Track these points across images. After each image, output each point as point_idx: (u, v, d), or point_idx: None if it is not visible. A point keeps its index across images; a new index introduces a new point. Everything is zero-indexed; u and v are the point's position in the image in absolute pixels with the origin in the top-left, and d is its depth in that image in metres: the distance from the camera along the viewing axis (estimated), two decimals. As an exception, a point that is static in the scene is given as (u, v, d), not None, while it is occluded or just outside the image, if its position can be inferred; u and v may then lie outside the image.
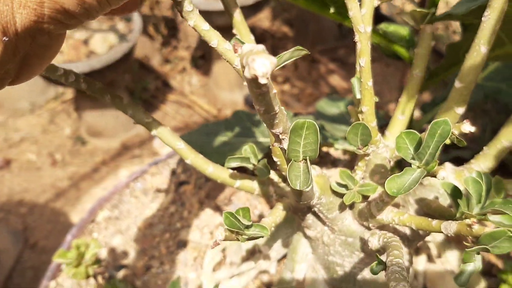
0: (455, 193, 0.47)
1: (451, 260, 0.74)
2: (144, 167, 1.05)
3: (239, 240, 0.47)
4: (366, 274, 0.60)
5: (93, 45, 2.27)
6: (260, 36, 3.24)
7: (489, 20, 0.43)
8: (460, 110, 0.50)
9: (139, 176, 1.04)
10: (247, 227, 0.45)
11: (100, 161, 2.62)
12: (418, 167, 0.42)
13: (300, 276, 0.68)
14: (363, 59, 0.47)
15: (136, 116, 0.53)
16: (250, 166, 0.53)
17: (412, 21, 0.58)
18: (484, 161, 0.54)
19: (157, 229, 0.94)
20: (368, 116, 0.50)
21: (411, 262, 0.62)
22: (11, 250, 2.31)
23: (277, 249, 0.73)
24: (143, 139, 2.67)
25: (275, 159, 0.52)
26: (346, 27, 0.70)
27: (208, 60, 3.11)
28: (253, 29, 3.26)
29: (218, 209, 0.95)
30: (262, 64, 0.24)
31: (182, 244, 0.90)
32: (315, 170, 0.53)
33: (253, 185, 0.58)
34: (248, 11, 2.51)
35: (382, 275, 0.59)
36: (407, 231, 0.57)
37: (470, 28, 0.66)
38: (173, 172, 1.04)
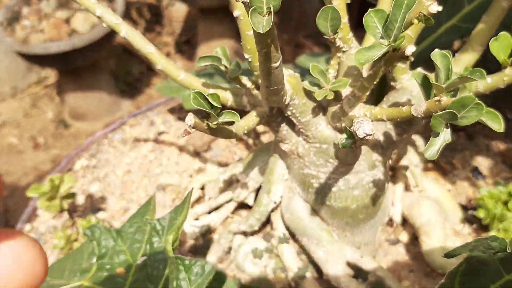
0: (425, 81, 0.47)
1: (427, 188, 0.75)
2: (122, 120, 1.04)
3: (209, 128, 0.46)
4: (341, 185, 0.60)
5: (75, 24, 2.25)
6: (245, 22, 3.23)
7: None
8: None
9: (117, 127, 1.03)
10: (216, 110, 0.45)
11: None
12: (388, 44, 0.42)
13: (276, 197, 0.67)
14: None
15: (105, 17, 0.52)
16: (222, 67, 0.53)
17: None
18: (457, 66, 0.55)
19: (135, 176, 0.93)
20: (340, 9, 0.50)
21: (386, 175, 0.63)
22: (-8, 233, 2.27)
23: (254, 178, 0.72)
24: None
25: (246, 55, 0.52)
26: None
27: (192, 45, 3.10)
28: (237, 15, 3.25)
29: (197, 155, 0.95)
30: None
31: (161, 188, 0.89)
32: (287, 70, 0.53)
33: (226, 95, 0.57)
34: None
35: (358, 188, 0.59)
36: (381, 137, 0.57)
37: None
38: (152, 123, 1.03)
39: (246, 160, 0.74)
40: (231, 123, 0.47)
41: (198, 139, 0.96)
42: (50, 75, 2.99)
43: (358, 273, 0.70)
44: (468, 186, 0.85)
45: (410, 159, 0.71)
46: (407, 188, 0.75)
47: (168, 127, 1.02)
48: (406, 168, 0.74)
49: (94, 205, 0.89)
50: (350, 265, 0.66)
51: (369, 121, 0.34)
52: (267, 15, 0.35)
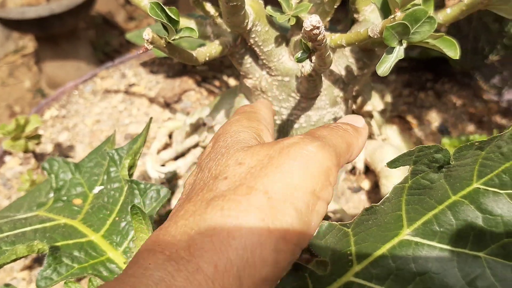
0: (384, 4, 0.47)
1: (391, 137, 0.76)
2: (94, 71, 1.03)
3: (168, 46, 0.46)
4: (303, 121, 0.60)
5: (52, -11, 2.21)
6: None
7: None
8: None
9: (88, 79, 1.02)
10: (175, 23, 0.45)
11: (60, 114, 2.56)
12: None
13: (240, 137, 0.67)
14: None
15: None
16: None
17: None
18: None
19: (105, 125, 0.92)
20: None
21: (347, 113, 0.63)
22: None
23: (221, 121, 0.72)
24: (105, 93, 2.62)
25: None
26: None
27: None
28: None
29: (167, 106, 0.94)
30: None
31: (130, 137, 0.89)
32: (250, -4, 0.53)
33: (190, 24, 0.57)
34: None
35: (318, 125, 0.60)
36: (342, 72, 0.57)
37: None
38: (124, 76, 1.03)
39: (213, 103, 0.74)
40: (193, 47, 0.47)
41: (169, 90, 0.95)
42: (28, 44, 2.94)
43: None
44: (434, 140, 0.86)
45: (375, 105, 0.72)
46: (370, 136, 0.76)
47: (139, 79, 1.02)
48: (370, 116, 0.75)
49: (63, 153, 0.89)
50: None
51: (316, 16, 0.34)
52: None
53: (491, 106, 0.92)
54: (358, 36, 0.47)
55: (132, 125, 0.91)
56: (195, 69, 1.01)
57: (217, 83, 0.99)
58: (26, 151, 0.75)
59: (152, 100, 0.96)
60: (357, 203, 0.77)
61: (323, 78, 0.56)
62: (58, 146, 0.90)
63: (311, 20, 0.34)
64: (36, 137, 0.76)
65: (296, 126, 0.61)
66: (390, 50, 0.42)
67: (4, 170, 0.87)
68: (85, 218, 0.49)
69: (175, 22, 0.45)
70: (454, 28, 1.03)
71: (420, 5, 0.42)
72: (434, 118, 0.91)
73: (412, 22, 0.40)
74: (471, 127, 0.89)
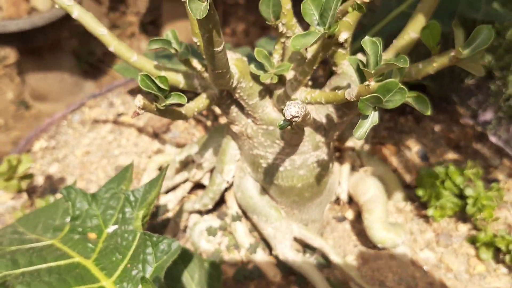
0: (359, 67, 0.50)
1: (373, 168, 0.79)
2: (82, 101, 1.05)
3: (158, 109, 0.49)
4: (287, 165, 0.63)
5: (34, 2, 2.20)
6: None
7: None
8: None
9: (76, 108, 1.04)
10: (164, 92, 0.47)
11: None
12: (323, 30, 0.45)
13: (229, 177, 0.70)
14: None
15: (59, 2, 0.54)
16: (172, 50, 0.55)
17: None
18: (393, 52, 0.59)
19: (94, 156, 0.94)
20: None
21: (330, 156, 0.67)
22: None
23: (209, 158, 0.75)
24: (90, 103, 2.62)
25: (194, 39, 0.54)
26: None
27: (157, 25, 3.07)
28: (203, -3, 3.23)
29: (156, 136, 0.97)
30: None
31: (120, 168, 0.91)
32: (235, 54, 0.55)
33: (178, 77, 0.59)
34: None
35: (303, 168, 0.63)
36: (323, 120, 0.61)
37: None
38: (112, 105, 1.04)
39: (201, 141, 0.76)
40: (181, 105, 0.50)
41: (157, 120, 0.98)
42: (10, 55, 2.92)
43: (306, 248, 0.75)
44: (413, 166, 0.90)
45: (356, 141, 0.75)
46: (353, 168, 0.80)
47: (127, 108, 1.04)
48: (352, 149, 0.78)
49: (53, 185, 0.90)
50: (297, 240, 0.70)
51: (296, 104, 0.37)
52: (205, 2, 0.37)
53: (467, 130, 0.97)
54: (336, 97, 0.50)
55: (122, 156, 0.93)
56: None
57: (204, 112, 1.01)
58: (19, 191, 0.77)
59: (140, 130, 0.98)
60: (341, 232, 0.80)
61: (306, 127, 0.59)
62: (48, 178, 0.92)
63: (291, 111, 0.37)
64: (29, 176, 0.78)
65: (281, 169, 0.64)
66: (365, 116, 0.45)
67: (-4, 204, 0.88)
68: (98, 259, 0.52)
69: (164, 91, 0.47)
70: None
71: (388, 61, 0.45)
72: (414, 144, 0.95)
73: (384, 93, 0.43)
74: (449, 152, 0.93)
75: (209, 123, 0.99)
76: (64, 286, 0.48)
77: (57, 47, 2.50)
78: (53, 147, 0.97)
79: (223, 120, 0.99)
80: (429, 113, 0.50)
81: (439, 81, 1.05)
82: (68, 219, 0.59)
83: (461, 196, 0.78)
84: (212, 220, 0.76)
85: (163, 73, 0.59)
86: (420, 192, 0.77)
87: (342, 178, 0.77)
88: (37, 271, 0.50)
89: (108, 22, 3.02)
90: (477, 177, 0.77)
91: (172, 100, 0.49)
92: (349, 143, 0.75)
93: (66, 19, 2.30)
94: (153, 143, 0.95)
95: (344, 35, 0.45)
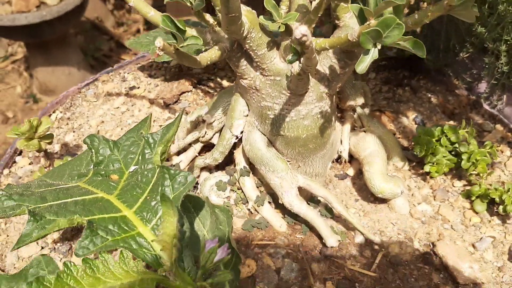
0: (361, 12, 0.55)
1: (372, 128, 0.84)
2: (95, 76, 1.10)
3: (176, 52, 0.54)
4: (293, 115, 0.68)
5: (43, -4, 2.26)
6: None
7: None
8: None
9: (90, 83, 1.09)
10: (183, 33, 0.52)
11: (53, 118, 2.60)
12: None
13: (238, 131, 0.75)
14: None
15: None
16: (187, 3, 0.60)
17: None
18: None
19: (109, 125, 0.99)
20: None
21: (333, 109, 0.71)
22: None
23: (219, 118, 0.80)
24: (96, 97, 2.68)
25: (209, -8, 0.59)
26: None
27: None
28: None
29: (167, 106, 1.02)
30: None
31: (133, 136, 0.96)
32: (245, 6, 0.60)
33: (192, 32, 0.64)
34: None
35: (308, 119, 0.68)
36: (327, 71, 0.66)
37: None
38: (124, 79, 1.10)
39: (211, 102, 0.81)
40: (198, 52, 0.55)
41: (167, 92, 1.03)
42: (18, 50, 2.98)
43: (310, 202, 0.80)
44: (411, 132, 0.95)
45: (356, 100, 0.80)
46: (354, 129, 0.84)
47: (138, 82, 1.09)
48: (353, 110, 0.83)
49: (69, 152, 0.96)
50: (302, 192, 0.75)
51: (304, 25, 0.42)
52: None
53: (462, 99, 1.02)
54: (340, 40, 0.55)
55: (134, 125, 0.98)
56: (191, 72, 1.08)
57: (211, 84, 1.06)
58: (39, 150, 0.82)
59: (152, 102, 1.03)
60: (343, 189, 0.85)
61: (310, 77, 0.64)
62: (65, 145, 0.97)
63: (301, 30, 0.42)
64: (48, 136, 0.83)
65: (287, 119, 0.69)
66: (366, 51, 0.50)
67: (16, 169, 0.93)
68: (120, 194, 0.56)
69: (182, 32, 0.52)
70: (428, 29, 1.12)
71: (391, 13, 0.51)
72: (411, 112, 0.99)
73: (384, 28, 0.48)
74: (445, 119, 0.98)
75: (216, 94, 1.04)
76: (88, 214, 0.53)
77: (64, 42, 2.56)
78: (68, 118, 1.03)
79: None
80: (424, 55, 0.54)
81: (435, 54, 1.10)
82: (91, 166, 0.64)
83: (456, 154, 0.83)
84: (221, 176, 0.81)
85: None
86: (417, 149, 0.82)
87: (343, 137, 0.82)
88: (63, 204, 0.55)
89: (114, 19, 3.09)
90: (471, 135, 0.82)
91: (190, 41, 0.54)
92: (350, 102, 0.80)
93: (74, 13, 2.36)
94: (164, 113, 1.00)
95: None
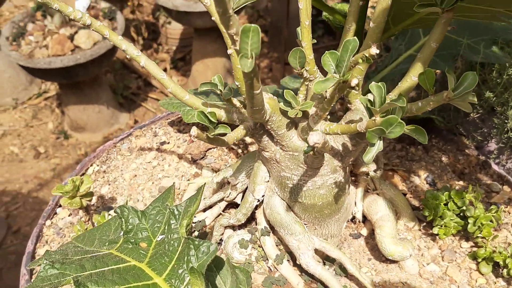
0: (369, 103, 0.63)
1: (384, 191, 0.91)
2: (129, 131, 1.19)
3: (208, 138, 0.62)
4: (310, 185, 0.75)
5: (78, 41, 2.41)
6: (237, 40, 3.41)
7: (389, -25, 0.60)
8: (375, 44, 0.66)
9: (124, 137, 1.18)
10: (213, 124, 0.60)
11: (83, 154, 2.73)
12: (338, 77, 0.58)
13: (259, 195, 0.83)
14: (301, 3, 0.64)
15: (128, 50, 0.68)
16: (218, 91, 0.69)
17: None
18: (398, 92, 0.71)
19: (141, 179, 1.08)
20: (307, 49, 0.66)
21: (346, 178, 0.78)
22: (-6, 236, 2.39)
23: (242, 180, 0.88)
24: (124, 134, 2.79)
25: (236, 83, 0.68)
26: (317, 33, 0.88)
27: (187, 62, 3.27)
28: (230, 34, 3.42)
29: (194, 162, 1.10)
30: None
31: (163, 190, 1.04)
32: (267, 94, 0.69)
33: (221, 112, 0.73)
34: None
35: (323, 188, 0.75)
36: (340, 147, 0.73)
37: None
38: (155, 134, 1.19)
39: (235, 165, 0.89)
40: (224, 134, 0.63)
41: (195, 148, 1.11)
42: (50, 87, 3.14)
43: (325, 261, 0.86)
44: (422, 191, 1.01)
45: (369, 166, 0.87)
46: (367, 191, 0.91)
47: (169, 137, 1.18)
48: (366, 174, 0.90)
49: (105, 204, 1.04)
50: (318, 253, 0.81)
51: (317, 133, 0.49)
52: (251, 59, 0.51)
53: (472, 159, 1.07)
54: (350, 129, 0.62)
55: (164, 179, 1.07)
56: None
57: (236, 141, 1.14)
58: (80, 207, 0.90)
59: (180, 157, 1.11)
60: (357, 248, 0.91)
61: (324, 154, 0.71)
62: (101, 198, 1.06)
63: (314, 139, 0.49)
64: (89, 194, 0.92)
65: (304, 189, 0.76)
66: (372, 144, 0.57)
67: (57, 220, 1.02)
68: (150, 262, 0.64)
69: (214, 123, 0.61)
70: (440, 87, 1.19)
71: (390, 100, 0.58)
72: (423, 171, 1.06)
73: (387, 126, 0.56)
74: (455, 179, 1.04)
75: (240, 150, 1.13)
76: (125, 283, 0.60)
77: (96, 81, 2.70)
78: (104, 171, 1.12)
79: (252, 148, 1.12)
80: (425, 141, 0.61)
81: (446, 114, 1.17)
82: (121, 233, 0.72)
83: (464, 216, 0.89)
84: (243, 234, 0.88)
85: (209, 109, 0.72)
86: (426, 213, 0.88)
87: (357, 199, 0.89)
88: (101, 273, 0.63)
89: (142, 58, 3.23)
90: (477, 199, 0.88)
91: (219, 130, 0.62)
92: (363, 168, 0.87)
93: (106, 56, 2.50)
94: (191, 168, 1.09)
95: (354, 81, 0.58)
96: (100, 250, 0.68)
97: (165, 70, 3.20)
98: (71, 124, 2.83)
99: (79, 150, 2.75)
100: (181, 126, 1.21)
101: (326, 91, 0.70)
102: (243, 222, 0.86)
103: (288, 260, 0.86)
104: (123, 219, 0.69)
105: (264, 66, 3.24)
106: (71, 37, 2.42)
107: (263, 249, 0.87)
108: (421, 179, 1.04)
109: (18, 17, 2.59)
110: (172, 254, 0.64)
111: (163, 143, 1.16)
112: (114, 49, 2.49)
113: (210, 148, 1.12)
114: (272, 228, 0.87)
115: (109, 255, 0.66)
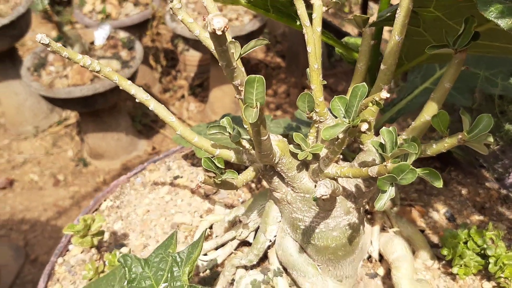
0: (381, 147, 0.61)
1: (402, 229, 0.88)
2: (143, 165, 1.19)
3: (216, 184, 0.61)
4: (322, 227, 0.74)
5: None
6: (255, 66, 3.43)
7: (399, 15, 0.59)
8: (386, 87, 0.65)
9: (138, 172, 1.18)
10: (220, 170, 0.60)
11: (101, 181, 2.75)
12: (347, 123, 0.57)
13: (271, 236, 0.81)
14: (310, 47, 0.63)
15: (137, 94, 0.68)
16: (226, 134, 0.68)
17: (356, 25, 0.74)
18: (412, 132, 0.69)
19: (154, 215, 1.07)
20: (316, 92, 0.65)
21: (361, 219, 0.76)
22: (12, 265, 2.40)
23: (254, 219, 0.86)
24: (142, 161, 2.81)
25: (245, 126, 0.67)
26: (335, 58, 0.88)
27: (205, 88, 3.30)
28: (248, 60, 3.45)
29: (207, 197, 1.09)
30: (218, 21, 0.40)
31: (176, 226, 1.03)
32: (277, 136, 0.68)
33: (230, 153, 0.72)
34: (243, 42, 2.71)
35: (336, 230, 0.73)
36: (353, 189, 0.71)
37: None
38: (169, 168, 1.18)
39: (247, 203, 0.88)
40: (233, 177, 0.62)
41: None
42: (71, 115, 3.19)
43: (341, 301, 0.83)
44: (441, 227, 0.98)
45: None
46: (384, 229, 0.88)
47: (182, 171, 1.17)
48: (382, 212, 0.88)
49: (118, 241, 1.04)
50: (332, 294, 0.79)
51: (324, 185, 0.48)
52: (256, 108, 0.50)
53: (493, 193, 1.04)
54: (361, 173, 0.61)
55: (177, 215, 1.06)
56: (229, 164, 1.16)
57: (249, 175, 1.13)
58: (91, 246, 0.90)
59: (193, 192, 1.11)
60: (373, 287, 0.88)
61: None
62: (113, 234, 1.05)
63: (320, 191, 0.48)
64: (100, 233, 0.91)
65: (317, 230, 0.74)
66: (384, 191, 0.56)
67: (69, 258, 1.02)
68: None
69: (220, 169, 0.60)
70: (459, 120, 1.16)
71: (402, 147, 0.56)
72: (442, 206, 1.03)
73: (399, 173, 0.54)
74: (475, 214, 1.00)
75: (253, 185, 1.11)
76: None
77: (115, 109, 2.73)
78: (117, 206, 1.11)
79: (265, 183, 1.11)
80: (440, 185, 0.59)
81: (466, 147, 1.14)
82: (125, 283, 0.71)
83: (484, 255, 0.85)
84: (256, 275, 0.86)
85: (218, 151, 0.71)
86: (444, 252, 0.85)
87: (373, 238, 0.86)
88: None
89: (160, 86, 3.27)
90: (498, 238, 0.85)
91: (227, 176, 0.61)
92: (378, 207, 0.85)
93: (123, 85, 2.51)
94: (204, 203, 1.08)
95: (364, 127, 0.57)
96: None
97: (183, 96, 3.24)
98: (90, 152, 2.86)
99: (97, 178, 2.77)
100: (194, 159, 1.20)
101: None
102: (255, 263, 0.84)
103: (302, 302, 0.83)
104: (126, 268, 0.68)
105: (282, 91, 3.24)
106: (90, 67, 2.46)
107: (276, 290, 0.84)
108: (440, 214, 1.01)
109: (39, 48, 2.65)
110: (176, 302, 0.62)
111: (176, 177, 1.15)
112: (133, 77, 2.52)
113: (223, 183, 1.11)
114: (285, 268, 0.84)
115: (115, 303, 0.65)
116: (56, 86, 2.43)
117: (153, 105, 0.68)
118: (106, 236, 1.05)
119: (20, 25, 2.71)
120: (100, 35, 2.61)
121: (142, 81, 3.18)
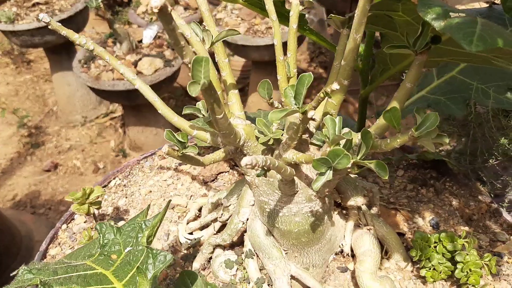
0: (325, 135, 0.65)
1: (377, 228, 0.90)
2: (154, 150, 1.28)
3: (180, 156, 0.67)
4: (285, 211, 0.78)
5: (140, 67, 2.59)
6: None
7: (357, 15, 0.63)
8: (346, 82, 0.69)
9: (148, 156, 1.27)
10: (182, 144, 0.66)
11: (136, 172, 2.88)
12: (297, 108, 0.62)
13: (243, 218, 0.86)
14: (276, 39, 0.68)
15: (125, 73, 0.76)
16: (200, 115, 0.74)
17: (334, 25, 0.79)
18: (375, 130, 0.73)
19: (154, 195, 1.15)
20: (282, 83, 0.70)
21: (324, 208, 0.80)
22: (49, 243, 2.56)
23: (234, 202, 0.92)
24: (176, 156, 2.92)
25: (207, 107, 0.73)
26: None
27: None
28: (290, 68, 3.50)
29: (205, 183, 1.16)
30: (155, 1, 0.46)
31: (171, 207, 1.10)
32: (245, 121, 0.73)
33: (206, 135, 0.78)
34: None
35: (298, 216, 0.77)
36: (315, 177, 0.75)
37: (385, 37, 0.85)
38: (176, 155, 1.26)
39: (230, 188, 0.94)
40: (199, 154, 0.68)
41: (208, 171, 1.17)
42: (117, 109, 3.36)
43: (307, 289, 0.87)
44: (424, 233, 0.99)
45: (357, 200, 0.88)
46: (359, 225, 0.91)
47: (187, 159, 1.24)
48: (358, 208, 0.91)
49: (119, 215, 1.12)
50: (294, 278, 0.83)
51: (247, 157, 0.52)
52: (199, 85, 0.56)
53: (482, 206, 1.04)
54: (310, 158, 0.65)
55: (175, 197, 1.13)
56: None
57: (247, 167, 1.19)
58: (87, 213, 0.99)
59: (193, 178, 1.17)
60: (342, 281, 0.91)
61: (299, 180, 0.74)
62: (116, 209, 1.14)
63: (245, 161, 0.53)
64: (97, 203, 1.00)
65: (280, 214, 0.79)
66: (322, 173, 0.60)
67: (72, 226, 1.11)
68: (115, 271, 0.70)
69: (183, 143, 0.66)
70: (462, 133, 1.17)
71: (339, 135, 0.60)
72: (429, 213, 1.04)
73: (333, 157, 0.58)
74: (461, 224, 1.01)
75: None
76: (86, 285, 0.66)
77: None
78: (124, 185, 1.20)
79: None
80: (386, 177, 0.62)
81: (463, 159, 1.14)
82: (99, 249, 0.78)
83: (456, 261, 0.86)
84: (230, 255, 0.91)
85: (195, 132, 0.78)
86: (413, 253, 0.86)
87: (346, 232, 0.90)
88: (69, 277, 0.69)
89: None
90: (470, 245, 0.85)
91: (188, 150, 0.67)
92: (351, 202, 0.88)
93: (164, 82, 2.66)
94: (201, 189, 1.14)
95: (310, 113, 0.61)
96: (78, 261, 0.75)
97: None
98: (130, 144, 3.01)
99: (133, 169, 2.91)
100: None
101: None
102: (228, 242, 0.90)
103: (269, 285, 0.88)
104: (101, 234, 0.75)
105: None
106: (135, 63, 2.61)
107: (246, 271, 0.89)
108: (425, 221, 1.02)
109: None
110: (134, 263, 0.69)
111: (181, 163, 1.23)
112: (173, 76, 2.64)
113: (222, 172, 1.17)
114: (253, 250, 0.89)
115: (83, 265, 0.72)
116: (102, 79, 2.59)
117: (138, 85, 0.76)
118: (110, 210, 1.14)
119: (77, 20, 2.91)
120: (148, 34, 2.76)
121: (186, 82, 3.31)
